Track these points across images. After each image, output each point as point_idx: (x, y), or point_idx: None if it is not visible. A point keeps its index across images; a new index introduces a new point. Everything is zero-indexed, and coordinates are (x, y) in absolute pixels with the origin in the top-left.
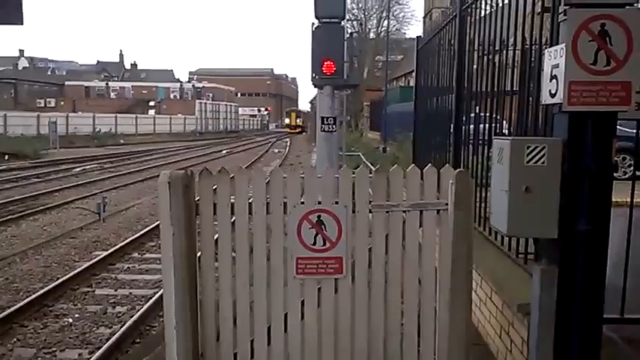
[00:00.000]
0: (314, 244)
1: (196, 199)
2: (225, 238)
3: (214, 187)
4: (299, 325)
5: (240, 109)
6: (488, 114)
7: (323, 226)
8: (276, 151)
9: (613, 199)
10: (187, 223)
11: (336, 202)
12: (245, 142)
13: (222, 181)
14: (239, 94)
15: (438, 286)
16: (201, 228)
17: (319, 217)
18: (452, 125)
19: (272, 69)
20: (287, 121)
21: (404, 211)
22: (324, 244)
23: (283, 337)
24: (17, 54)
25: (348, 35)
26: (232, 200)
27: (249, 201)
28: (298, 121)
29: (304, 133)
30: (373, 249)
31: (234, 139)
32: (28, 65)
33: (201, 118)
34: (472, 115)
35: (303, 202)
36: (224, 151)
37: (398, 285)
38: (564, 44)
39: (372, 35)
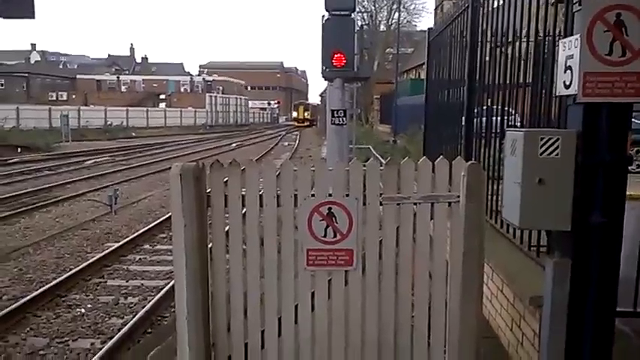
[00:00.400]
0: (324, 236)
1: (207, 191)
2: (236, 230)
3: (225, 180)
4: (309, 317)
5: (250, 102)
6: (500, 106)
7: (334, 219)
8: (286, 144)
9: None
10: (199, 215)
11: (347, 195)
12: (255, 135)
13: (233, 173)
14: (249, 88)
15: (449, 278)
16: (212, 220)
17: (330, 209)
18: (463, 118)
19: (282, 62)
20: (294, 114)
21: (415, 204)
22: (335, 236)
23: (294, 329)
24: (29, 48)
25: (358, 28)
26: (243, 193)
27: (260, 193)
28: (306, 114)
29: (314, 126)
30: (384, 241)
31: (244, 132)
32: (39, 59)
33: (212, 111)
34: (484, 107)
35: (313, 195)
36: (234, 144)
37: (408, 277)
38: (579, 35)
39: (382, 28)
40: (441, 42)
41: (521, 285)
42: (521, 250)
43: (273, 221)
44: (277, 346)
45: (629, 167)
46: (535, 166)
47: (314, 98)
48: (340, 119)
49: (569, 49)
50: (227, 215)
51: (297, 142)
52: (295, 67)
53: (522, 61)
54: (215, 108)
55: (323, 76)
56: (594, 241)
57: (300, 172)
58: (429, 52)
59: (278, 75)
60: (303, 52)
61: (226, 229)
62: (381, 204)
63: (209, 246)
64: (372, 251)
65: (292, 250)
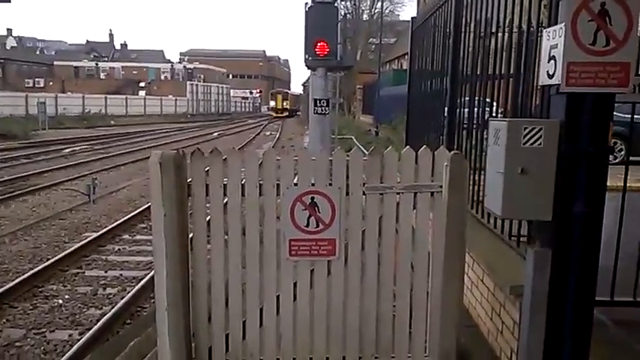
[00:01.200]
0: (307, 225)
1: (189, 180)
2: (218, 219)
3: (206, 169)
4: (291, 307)
5: (232, 91)
6: (483, 97)
7: (316, 208)
8: (268, 133)
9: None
10: (179, 204)
11: (330, 184)
12: (237, 124)
13: (214, 162)
14: (231, 76)
15: (431, 268)
16: (193, 209)
17: (313, 198)
18: (446, 108)
19: (264, 51)
20: (272, 103)
21: (397, 193)
22: (318, 226)
23: (275, 319)
24: (5, 33)
25: (341, 16)
26: (225, 182)
27: (242, 182)
28: (285, 104)
29: (294, 117)
30: (367, 231)
31: (226, 122)
32: (16, 45)
33: (193, 99)
34: (466, 98)
35: (296, 184)
36: (215, 134)
37: (391, 267)
38: (563, 24)
39: (365, 17)
40: (424, 32)
41: (501, 274)
42: (502, 240)
43: (256, 211)
44: (259, 336)
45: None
46: (518, 156)
47: (297, 88)
48: (323, 108)
49: (553, 38)
50: (209, 205)
51: (279, 131)
52: (278, 56)
53: (505, 52)
54: (196, 96)
55: (306, 65)
56: (575, 230)
57: (282, 162)
58: (412, 41)
59: (260, 64)
60: (286, 40)
61: (208, 218)
62: (364, 194)
63: (190, 235)
64: (354, 241)
65: (274, 239)
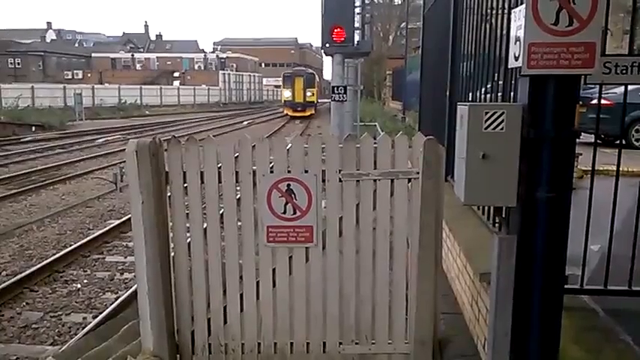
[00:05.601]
0: (284, 212)
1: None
2: (196, 206)
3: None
4: (271, 292)
5: (264, 79)
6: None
7: (293, 195)
8: (298, 122)
9: (627, 169)
10: (157, 192)
11: (306, 171)
12: (268, 112)
13: (190, 149)
14: (263, 65)
15: (409, 254)
16: (171, 196)
17: (289, 185)
18: (447, 92)
19: (296, 38)
20: (286, 94)
21: (374, 180)
22: (295, 213)
23: (255, 304)
24: (45, 26)
25: (369, 1)
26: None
27: (219, 170)
28: (308, 94)
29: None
30: (344, 218)
31: (257, 110)
32: (55, 38)
33: (225, 88)
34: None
35: (272, 171)
36: (245, 122)
37: (369, 254)
38: (525, 3)
39: (397, 1)
40: (434, 14)
41: (478, 262)
42: (487, 227)
43: (233, 198)
44: (240, 322)
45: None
46: (479, 141)
47: (329, 76)
48: (340, 96)
49: (518, 19)
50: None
51: (309, 120)
52: (310, 44)
53: (491, 32)
54: (228, 85)
55: (324, 52)
56: (541, 216)
57: (257, 149)
58: (423, 25)
59: (292, 51)
60: (318, 27)
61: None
62: (340, 180)
63: (169, 222)
64: (332, 228)
65: (252, 226)
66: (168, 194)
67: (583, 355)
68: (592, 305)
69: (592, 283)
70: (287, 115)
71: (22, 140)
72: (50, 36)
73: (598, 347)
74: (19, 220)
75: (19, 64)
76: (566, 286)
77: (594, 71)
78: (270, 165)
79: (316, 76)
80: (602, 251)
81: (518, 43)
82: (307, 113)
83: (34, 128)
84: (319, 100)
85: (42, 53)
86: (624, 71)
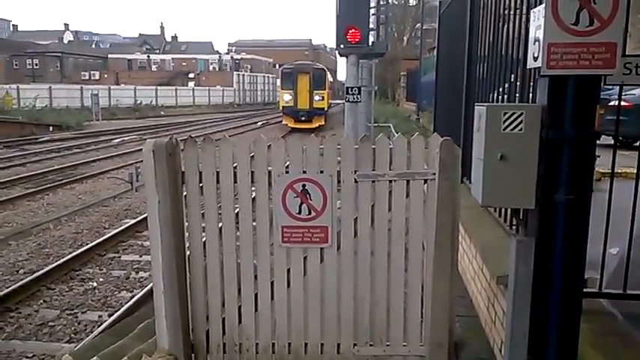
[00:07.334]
0: (299, 213)
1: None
2: (211, 206)
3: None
4: (285, 293)
5: (277, 80)
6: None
7: (308, 195)
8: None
9: None
10: (173, 191)
11: (322, 172)
12: (282, 113)
13: (206, 149)
14: (277, 66)
15: (425, 256)
16: (187, 196)
17: (304, 186)
18: (464, 94)
19: (310, 39)
20: (286, 98)
21: (390, 181)
22: (310, 214)
23: (270, 304)
24: (62, 28)
25: (384, 2)
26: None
27: (234, 170)
28: (317, 98)
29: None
30: (359, 219)
31: (271, 111)
32: (72, 39)
33: (239, 89)
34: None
35: (288, 172)
36: (259, 123)
37: (384, 255)
38: (544, 3)
39: (412, 2)
40: (450, 15)
41: (494, 264)
42: (504, 229)
43: (248, 198)
44: (254, 321)
45: None
46: (498, 142)
47: (343, 77)
48: (355, 96)
49: (537, 19)
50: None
51: (324, 121)
52: (324, 45)
53: (509, 33)
54: (243, 87)
55: (339, 53)
56: (560, 218)
57: (273, 149)
58: (439, 25)
59: (306, 52)
60: (332, 29)
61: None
62: (355, 181)
63: (185, 222)
64: (347, 229)
65: (267, 226)
66: (184, 193)
67: (601, 359)
68: (610, 309)
69: (610, 287)
70: (287, 126)
71: (39, 140)
72: (67, 37)
73: (616, 352)
74: (37, 219)
75: (37, 65)
76: (584, 290)
77: (615, 72)
78: (286, 165)
79: (327, 72)
80: (620, 255)
81: (537, 43)
82: (314, 125)
83: (51, 128)
84: (332, 102)
85: (59, 54)
86: None
